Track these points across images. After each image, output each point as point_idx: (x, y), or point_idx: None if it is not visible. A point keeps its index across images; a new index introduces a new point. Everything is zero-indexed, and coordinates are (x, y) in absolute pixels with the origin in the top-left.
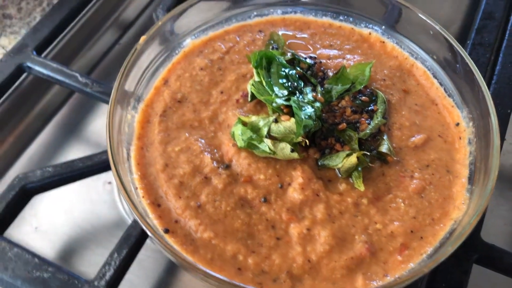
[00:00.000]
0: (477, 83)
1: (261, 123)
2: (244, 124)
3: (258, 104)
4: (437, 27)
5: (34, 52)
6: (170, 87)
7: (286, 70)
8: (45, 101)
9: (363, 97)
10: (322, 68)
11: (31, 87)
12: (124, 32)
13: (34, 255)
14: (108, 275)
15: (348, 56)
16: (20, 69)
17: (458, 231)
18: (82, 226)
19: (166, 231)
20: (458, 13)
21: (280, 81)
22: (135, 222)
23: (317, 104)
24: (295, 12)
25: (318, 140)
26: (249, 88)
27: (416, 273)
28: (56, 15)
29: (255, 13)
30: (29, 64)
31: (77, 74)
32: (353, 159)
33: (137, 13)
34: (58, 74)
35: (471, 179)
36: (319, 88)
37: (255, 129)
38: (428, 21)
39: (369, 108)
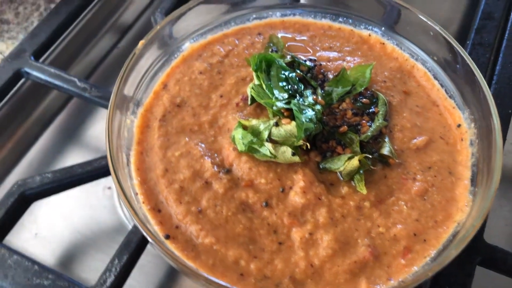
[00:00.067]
0: (478, 84)
1: (261, 127)
2: (245, 128)
3: (258, 108)
4: (437, 28)
5: (32, 57)
6: (169, 91)
7: (286, 73)
8: (43, 106)
9: (364, 99)
10: (322, 71)
11: (29, 93)
12: (122, 36)
13: (34, 262)
14: (109, 282)
15: (348, 58)
16: (18, 75)
17: (461, 233)
18: (82, 232)
19: (167, 237)
20: (456, 13)
21: (280, 84)
22: (135, 227)
23: (318, 107)
24: (294, 15)
25: (319, 143)
26: (249, 91)
27: (420, 277)
28: (53, 20)
29: (254, 16)
30: (27, 69)
31: (75, 79)
32: (355, 162)
33: (135, 17)
34: (57, 79)
35: (473, 181)
36: (319, 91)
37: (255, 132)
38: (428, 21)
39: (370, 110)
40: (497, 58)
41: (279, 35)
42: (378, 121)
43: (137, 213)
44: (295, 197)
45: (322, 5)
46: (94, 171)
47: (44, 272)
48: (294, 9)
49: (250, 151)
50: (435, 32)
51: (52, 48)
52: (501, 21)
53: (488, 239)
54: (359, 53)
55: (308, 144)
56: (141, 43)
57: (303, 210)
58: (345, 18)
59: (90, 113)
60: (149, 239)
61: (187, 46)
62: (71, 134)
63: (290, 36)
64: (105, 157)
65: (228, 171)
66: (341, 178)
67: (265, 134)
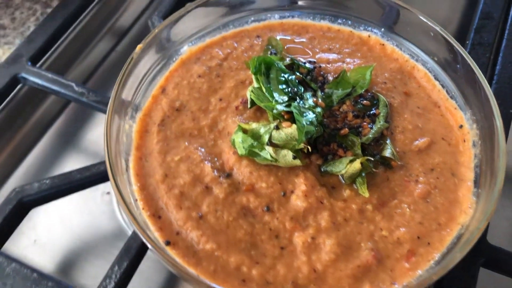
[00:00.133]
0: (480, 84)
1: (262, 130)
2: (245, 131)
3: (258, 111)
4: (438, 28)
5: (29, 63)
6: (168, 95)
7: (286, 76)
8: (40, 111)
9: (365, 101)
10: (322, 73)
11: (27, 98)
12: (120, 40)
13: (33, 270)
14: None
15: (348, 60)
16: (15, 80)
17: (466, 236)
18: (81, 238)
19: (168, 243)
20: (455, 13)
21: (280, 86)
22: (135, 233)
23: (318, 110)
24: (293, 16)
25: (320, 146)
26: (248, 94)
27: (424, 281)
28: (50, 25)
29: (252, 18)
30: (24, 74)
31: (73, 84)
32: (356, 165)
33: (132, 21)
34: (54, 84)
35: (477, 182)
36: (319, 93)
37: (256, 136)
38: (428, 22)
39: (371, 112)
40: (497, 57)
41: (278, 37)
42: (379, 123)
43: (137, 219)
44: (297, 201)
45: (320, 6)
46: (92, 176)
47: (43, 279)
48: (292, 11)
49: (251, 155)
50: (435, 32)
51: (49, 53)
52: (500, 21)
53: (491, 241)
54: (359, 54)
55: (309, 147)
56: (139, 47)
57: (305, 214)
58: (344, 20)
59: (88, 118)
60: (150, 246)
61: (186, 50)
62: (69, 140)
63: (289, 38)
64: (103, 163)
65: (229, 176)
66: (343, 181)
67: (266, 138)
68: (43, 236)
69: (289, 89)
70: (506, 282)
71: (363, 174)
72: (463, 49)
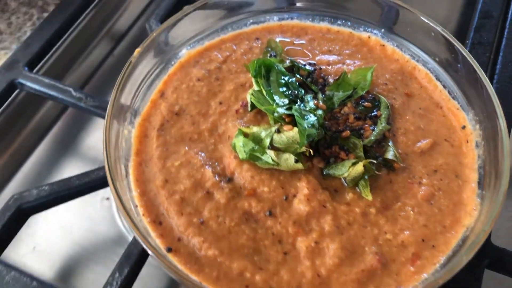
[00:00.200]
0: (482, 84)
1: (263, 134)
2: (245, 135)
3: (258, 114)
4: (439, 28)
5: (26, 68)
6: (167, 99)
7: (286, 78)
8: (38, 117)
9: (366, 103)
10: (322, 75)
11: (24, 104)
12: (117, 44)
13: (32, 278)
14: None
15: (348, 61)
16: (12, 86)
17: (471, 239)
18: (81, 245)
19: (169, 250)
20: (454, 13)
21: (280, 89)
22: (135, 239)
23: (319, 112)
24: (292, 18)
25: (322, 149)
26: (248, 98)
27: (430, 285)
28: (46, 29)
29: (251, 20)
30: (21, 80)
31: (70, 89)
32: (359, 167)
33: (129, 24)
34: (51, 90)
35: (481, 184)
36: (320, 95)
37: (257, 140)
38: (428, 21)
39: (372, 113)
40: (497, 57)
41: (277, 40)
42: (381, 125)
43: (138, 226)
44: (299, 205)
45: (319, 8)
46: (92, 182)
47: (43, 287)
48: (291, 12)
49: (252, 159)
50: (436, 32)
51: (46, 58)
52: (500, 20)
53: (495, 242)
54: (359, 55)
55: (311, 150)
56: (137, 51)
57: (308, 218)
58: (343, 21)
59: (86, 123)
60: (151, 253)
61: (184, 53)
62: (67, 145)
63: (288, 40)
64: (102, 168)
65: (230, 180)
66: (345, 184)
67: (267, 141)
68: (42, 243)
69: (290, 91)
70: (510, 283)
71: (366, 177)
72: (465, 49)
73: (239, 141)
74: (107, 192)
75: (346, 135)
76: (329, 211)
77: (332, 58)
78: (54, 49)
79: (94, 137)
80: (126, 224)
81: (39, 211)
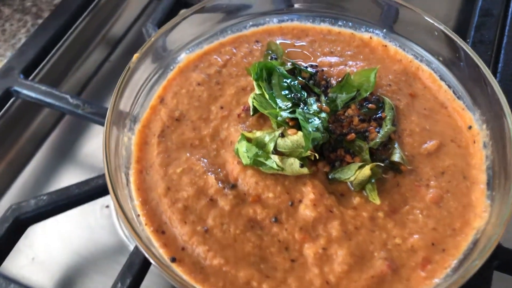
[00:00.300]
0: (489, 83)
1: (266, 139)
2: (249, 140)
3: (260, 118)
4: (442, 27)
5: (21, 75)
6: (166, 105)
7: (288, 81)
8: (35, 125)
9: (370, 105)
10: (324, 77)
11: (20, 112)
12: (113, 49)
13: None
14: None
15: (350, 63)
16: (7, 94)
17: (482, 242)
18: (81, 254)
19: (173, 260)
20: (452, 11)
21: (283, 92)
22: (137, 248)
23: (323, 115)
24: (292, 20)
25: (327, 152)
26: (250, 101)
27: None
28: (41, 36)
29: (250, 23)
30: (16, 88)
31: (67, 96)
32: (366, 171)
33: (126, 29)
34: (48, 97)
35: (490, 185)
36: (323, 98)
37: (260, 145)
38: (430, 20)
39: (377, 115)
40: (499, 55)
41: (278, 42)
42: (386, 127)
43: (140, 236)
44: (306, 211)
45: (317, 8)
46: (91, 191)
47: None
48: (291, 14)
49: (256, 164)
50: (438, 30)
51: (41, 65)
52: (500, 18)
53: (504, 243)
54: (361, 56)
55: (316, 154)
56: (135, 56)
57: (314, 224)
58: (344, 22)
59: (84, 131)
60: (155, 264)
61: (183, 57)
62: (65, 153)
63: (289, 42)
64: (102, 176)
65: (234, 187)
66: (352, 188)
67: (271, 146)
68: (42, 253)
69: (292, 94)
70: None
71: (373, 181)
72: (469, 47)
73: (242, 146)
74: (106, 200)
75: (351, 138)
76: (336, 216)
77: (334, 59)
78: (49, 56)
79: (92, 145)
80: (127, 232)
81: (37, 221)
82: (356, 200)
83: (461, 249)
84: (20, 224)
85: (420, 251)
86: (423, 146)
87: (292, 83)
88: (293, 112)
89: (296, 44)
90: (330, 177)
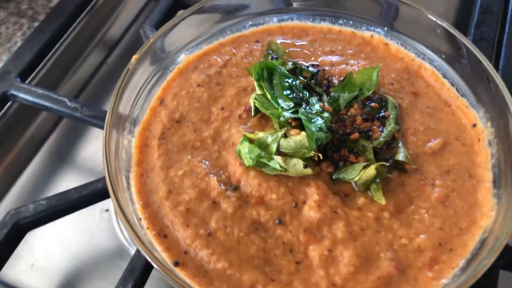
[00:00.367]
0: (492, 79)
1: (269, 139)
2: (251, 141)
3: (262, 119)
4: (444, 24)
5: (18, 79)
6: (166, 106)
7: (289, 81)
8: (32, 129)
9: (373, 104)
10: (326, 76)
11: (17, 116)
12: (111, 52)
13: None
14: None
15: (352, 61)
16: (4, 98)
17: (490, 241)
18: (81, 259)
19: (176, 264)
20: (451, 10)
21: (284, 92)
22: (138, 252)
23: (326, 115)
24: (292, 19)
25: (330, 152)
26: (252, 102)
27: None
28: (38, 39)
29: (250, 23)
30: (13, 91)
31: (65, 99)
32: (371, 171)
33: (123, 31)
34: (45, 100)
35: (496, 183)
36: (325, 97)
37: (263, 145)
38: (432, 17)
39: (380, 114)
40: (499, 52)
41: (278, 41)
42: (390, 126)
43: (142, 240)
44: (310, 212)
45: (316, 7)
46: (90, 195)
47: None
48: (290, 13)
49: (258, 165)
50: (440, 28)
51: (38, 68)
52: (500, 15)
53: (510, 242)
54: (363, 55)
55: (320, 155)
56: (134, 58)
57: (319, 225)
58: (345, 20)
59: (82, 134)
60: (158, 268)
61: (182, 58)
62: (63, 157)
63: (289, 41)
64: (101, 180)
65: (236, 188)
66: (356, 188)
67: (274, 147)
68: (41, 259)
69: (294, 94)
70: None
71: (378, 180)
72: (472, 44)
73: (245, 148)
74: (106, 204)
75: (354, 137)
76: (340, 217)
77: (335, 58)
78: (46, 59)
79: (91, 148)
80: (127, 235)
81: (36, 226)
82: (361, 200)
83: (469, 248)
84: (19, 229)
85: (427, 251)
86: (428, 145)
87: (294, 83)
88: (296, 112)
89: (296, 43)
90: (334, 177)
